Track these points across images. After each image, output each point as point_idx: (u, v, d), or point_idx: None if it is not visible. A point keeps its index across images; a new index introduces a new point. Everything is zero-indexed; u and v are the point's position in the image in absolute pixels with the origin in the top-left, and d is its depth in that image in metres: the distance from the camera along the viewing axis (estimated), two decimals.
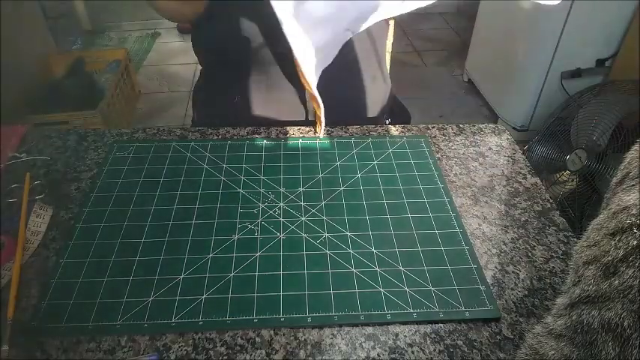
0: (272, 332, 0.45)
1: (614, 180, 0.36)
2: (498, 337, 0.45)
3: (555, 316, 0.35)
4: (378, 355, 0.43)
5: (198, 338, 0.44)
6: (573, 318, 0.32)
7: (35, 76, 1.76)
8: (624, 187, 0.34)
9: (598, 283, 0.31)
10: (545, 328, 0.35)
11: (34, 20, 1.82)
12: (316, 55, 0.61)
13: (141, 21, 2.76)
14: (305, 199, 0.59)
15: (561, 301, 0.35)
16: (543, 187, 0.63)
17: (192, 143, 0.67)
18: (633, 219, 0.31)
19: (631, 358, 0.28)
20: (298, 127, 0.71)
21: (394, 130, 0.71)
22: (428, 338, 0.44)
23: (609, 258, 0.31)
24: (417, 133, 0.71)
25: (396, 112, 0.88)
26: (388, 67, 0.88)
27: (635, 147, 0.36)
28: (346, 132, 0.70)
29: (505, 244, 0.54)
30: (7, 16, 1.52)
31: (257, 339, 0.44)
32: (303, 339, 0.44)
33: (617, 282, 0.30)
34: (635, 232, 0.30)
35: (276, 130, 0.70)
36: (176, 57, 2.50)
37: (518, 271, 0.51)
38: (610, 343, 0.29)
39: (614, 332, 0.29)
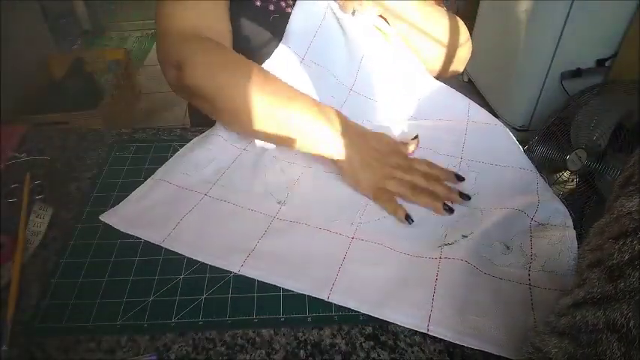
0: (272, 332, 0.45)
1: (618, 182, 0.36)
2: None
3: (558, 315, 0.35)
4: (378, 355, 0.43)
5: (198, 338, 0.44)
6: (577, 317, 0.32)
7: (35, 76, 1.76)
8: (627, 191, 0.34)
9: (603, 285, 0.32)
10: (548, 326, 0.35)
11: (34, 20, 1.82)
12: None
13: (141, 21, 2.76)
14: None
15: (564, 301, 0.35)
16: None
17: None
18: (637, 223, 0.32)
19: (636, 358, 0.28)
20: None
21: None
22: (428, 338, 0.44)
23: (614, 261, 0.31)
24: None
25: None
26: None
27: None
28: None
29: None
30: (7, 16, 1.52)
31: (257, 339, 0.44)
32: (303, 339, 0.44)
33: (622, 284, 0.30)
34: None
35: None
36: None
37: None
38: (615, 343, 0.29)
39: (620, 332, 0.29)
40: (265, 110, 0.57)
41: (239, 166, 0.62)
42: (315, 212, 0.56)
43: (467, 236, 0.51)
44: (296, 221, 0.54)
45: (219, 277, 0.49)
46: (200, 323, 0.45)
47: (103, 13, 2.73)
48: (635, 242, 0.31)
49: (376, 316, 0.45)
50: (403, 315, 0.45)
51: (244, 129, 0.61)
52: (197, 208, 0.56)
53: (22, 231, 0.53)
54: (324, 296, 0.47)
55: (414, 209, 0.55)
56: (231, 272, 0.49)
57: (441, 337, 0.43)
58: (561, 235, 0.51)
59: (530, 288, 0.46)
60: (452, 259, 0.49)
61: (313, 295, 0.47)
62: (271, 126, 0.58)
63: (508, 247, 0.50)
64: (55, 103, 1.67)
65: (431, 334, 0.43)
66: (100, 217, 0.55)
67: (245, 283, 0.48)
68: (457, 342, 0.42)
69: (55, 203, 0.57)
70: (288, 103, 0.57)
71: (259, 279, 0.48)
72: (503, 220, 0.52)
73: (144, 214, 0.55)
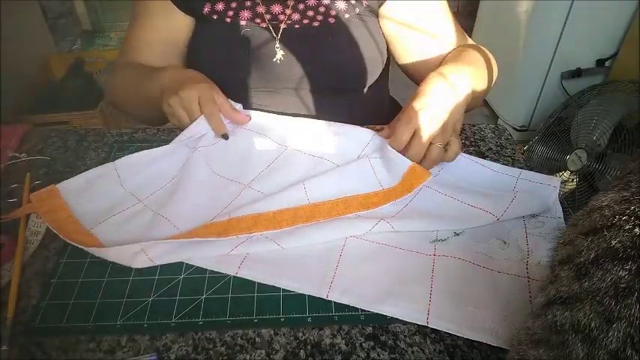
0: (272, 332, 0.45)
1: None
2: None
3: (534, 316, 0.35)
4: (378, 355, 0.43)
5: (198, 338, 0.44)
6: (549, 317, 0.32)
7: (35, 76, 1.76)
8: (610, 185, 0.34)
9: (570, 284, 0.32)
10: (528, 334, 0.35)
11: (34, 20, 1.81)
12: None
13: None
14: None
15: (539, 300, 0.35)
16: None
17: None
18: (605, 220, 0.31)
19: (597, 359, 0.28)
20: None
21: None
22: (428, 338, 0.44)
23: (582, 259, 0.31)
24: None
25: (394, 113, 0.88)
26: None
27: None
28: None
29: None
30: (7, 16, 1.51)
31: (257, 339, 0.44)
32: (303, 339, 0.44)
33: (587, 284, 0.30)
34: (605, 235, 0.30)
35: None
36: None
37: None
38: (579, 344, 0.29)
39: (583, 333, 0.29)
40: (129, 92, 0.73)
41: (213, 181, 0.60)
42: None
43: (459, 234, 0.52)
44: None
45: (219, 277, 0.49)
46: (200, 323, 0.45)
47: (103, 13, 2.73)
48: (601, 240, 0.31)
49: (376, 311, 0.45)
50: (402, 309, 0.45)
51: (130, 110, 0.78)
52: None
53: (22, 231, 0.53)
54: (323, 295, 0.47)
55: (412, 203, 0.56)
56: (237, 274, 0.49)
57: (441, 330, 0.44)
58: (554, 228, 0.52)
59: (528, 281, 0.47)
60: (446, 257, 0.50)
61: (312, 295, 0.47)
62: (137, 101, 0.72)
63: (505, 243, 0.51)
64: (55, 103, 1.66)
65: (431, 326, 0.44)
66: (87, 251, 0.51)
67: (245, 283, 0.48)
68: (456, 334, 0.43)
69: None
70: (139, 81, 0.69)
71: (258, 280, 0.48)
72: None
73: (126, 235, 0.53)
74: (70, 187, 0.56)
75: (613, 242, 0.30)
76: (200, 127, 0.61)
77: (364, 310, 0.46)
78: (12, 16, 1.57)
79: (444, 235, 0.52)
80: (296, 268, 0.49)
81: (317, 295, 0.47)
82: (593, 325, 0.29)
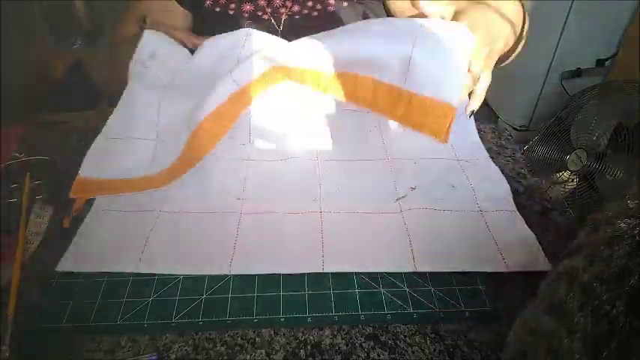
0: (272, 332, 0.45)
1: None
2: (498, 337, 0.45)
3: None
4: (378, 355, 0.43)
5: (198, 338, 0.44)
6: (554, 272, 0.35)
7: (35, 76, 1.76)
8: None
9: (580, 238, 0.34)
10: (533, 302, 0.36)
11: (34, 20, 1.82)
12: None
13: None
14: None
15: None
16: (543, 187, 0.63)
17: None
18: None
19: (574, 293, 0.30)
20: None
21: None
22: (428, 338, 0.44)
23: (601, 218, 0.34)
24: None
25: None
26: None
27: None
28: None
29: None
30: (7, 16, 1.52)
31: (257, 339, 0.44)
32: (303, 339, 0.44)
33: (593, 237, 0.33)
34: (630, 197, 0.33)
35: None
36: None
37: None
38: (563, 286, 0.32)
39: (570, 275, 0.32)
40: None
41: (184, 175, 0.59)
42: (276, 200, 0.57)
43: (414, 188, 0.59)
44: (263, 212, 0.56)
45: (219, 277, 0.49)
46: (200, 323, 0.45)
47: (103, 13, 2.73)
48: (626, 203, 0.33)
49: (369, 271, 0.49)
50: (391, 264, 0.50)
51: None
52: (157, 226, 0.54)
53: (22, 231, 0.53)
54: (319, 269, 0.49)
55: (366, 172, 0.61)
56: (231, 272, 0.49)
57: (428, 271, 0.49)
58: (485, 168, 0.62)
59: (482, 214, 0.56)
60: (412, 210, 0.56)
61: (311, 272, 0.49)
62: None
63: (453, 187, 0.59)
64: (55, 103, 1.67)
65: (419, 270, 0.49)
66: (57, 270, 0.49)
67: (245, 283, 0.48)
68: (442, 270, 0.49)
69: (55, 203, 0.57)
70: None
71: (251, 273, 0.49)
72: (439, 167, 0.62)
73: (103, 248, 0.51)
74: (89, 164, 0.59)
75: (631, 203, 0.32)
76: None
77: (364, 311, 0.46)
78: (12, 16, 1.57)
79: (402, 192, 0.58)
80: (286, 252, 0.51)
81: (314, 272, 0.49)
82: (580, 267, 0.31)
